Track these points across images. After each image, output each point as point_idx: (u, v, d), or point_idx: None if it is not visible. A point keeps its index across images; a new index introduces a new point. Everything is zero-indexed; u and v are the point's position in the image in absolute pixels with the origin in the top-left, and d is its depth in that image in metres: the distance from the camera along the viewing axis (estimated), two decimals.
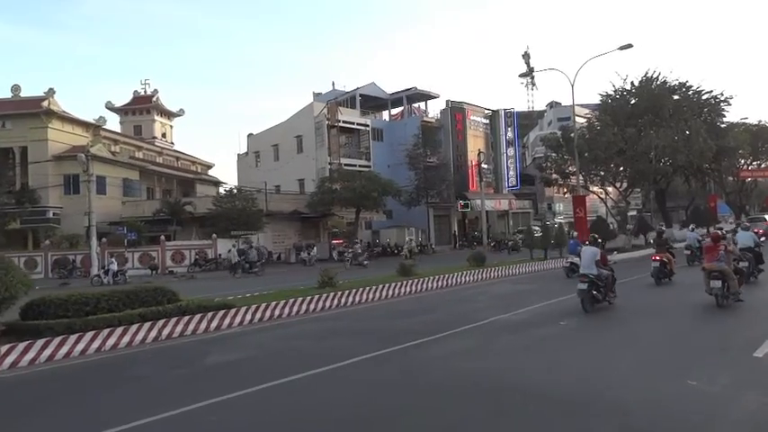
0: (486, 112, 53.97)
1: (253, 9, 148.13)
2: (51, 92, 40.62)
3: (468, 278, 18.98)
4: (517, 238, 37.80)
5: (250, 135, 55.97)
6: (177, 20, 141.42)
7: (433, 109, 56.20)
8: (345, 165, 44.41)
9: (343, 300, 14.68)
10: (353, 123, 47.82)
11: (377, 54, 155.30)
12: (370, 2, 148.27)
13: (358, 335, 10.40)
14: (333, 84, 56.67)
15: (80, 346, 9.71)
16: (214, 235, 34.62)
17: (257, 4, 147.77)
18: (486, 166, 49.38)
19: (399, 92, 54.38)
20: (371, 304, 14.86)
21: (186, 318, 11.21)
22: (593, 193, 38.63)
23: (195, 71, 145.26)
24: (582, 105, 53.38)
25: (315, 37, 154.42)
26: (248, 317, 12.35)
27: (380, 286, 16.01)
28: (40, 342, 9.32)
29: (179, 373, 8.22)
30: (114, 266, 27.31)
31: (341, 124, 45.90)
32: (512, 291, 16.22)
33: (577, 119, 44.29)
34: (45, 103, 39.27)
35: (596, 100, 38.88)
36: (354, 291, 15.22)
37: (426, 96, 55.25)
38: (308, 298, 14.00)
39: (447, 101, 51.44)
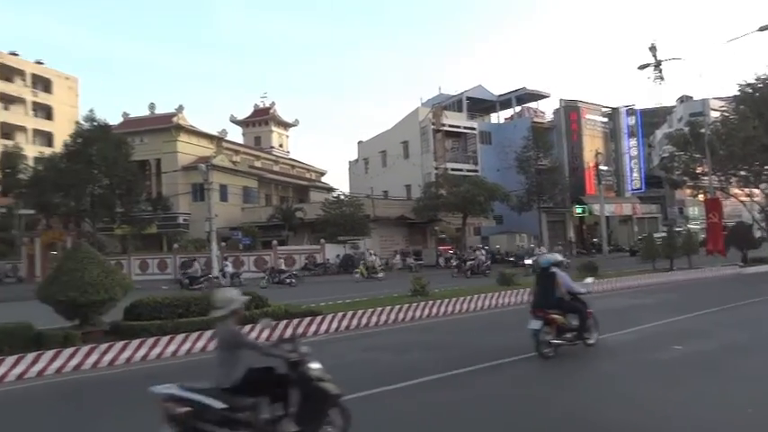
0: (605, 109, 50.33)
1: (362, 19, 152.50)
2: (180, 108, 44.53)
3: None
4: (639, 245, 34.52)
5: (360, 142, 57.23)
6: (292, 35, 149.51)
7: (545, 109, 53.52)
8: (452, 169, 43.68)
9: (435, 310, 14.06)
10: (459, 127, 46.93)
11: (484, 55, 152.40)
12: (474, 2, 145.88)
13: (443, 349, 9.74)
14: (439, 88, 56.36)
15: (171, 348, 10.08)
16: (322, 240, 35.63)
17: (367, 15, 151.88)
18: (605, 167, 45.97)
19: (508, 93, 52.51)
20: (466, 315, 14.08)
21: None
22: (733, 195, 34.16)
23: (309, 82, 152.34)
24: (718, 99, 47.80)
25: (423, 43, 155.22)
26: (334, 325, 12.18)
27: (477, 296, 15.15)
28: (135, 342, 9.79)
29: None
30: (230, 269, 28.95)
31: (446, 128, 45.27)
32: (624, 305, 14.53)
33: (712, 113, 39.39)
34: (175, 119, 43.11)
35: (734, 92, 34.43)
36: (447, 301, 14.53)
37: (537, 96, 52.78)
38: (398, 307, 13.56)
39: (560, 99, 48.76)
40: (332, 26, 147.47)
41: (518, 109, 53.08)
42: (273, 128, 62.54)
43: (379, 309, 13.26)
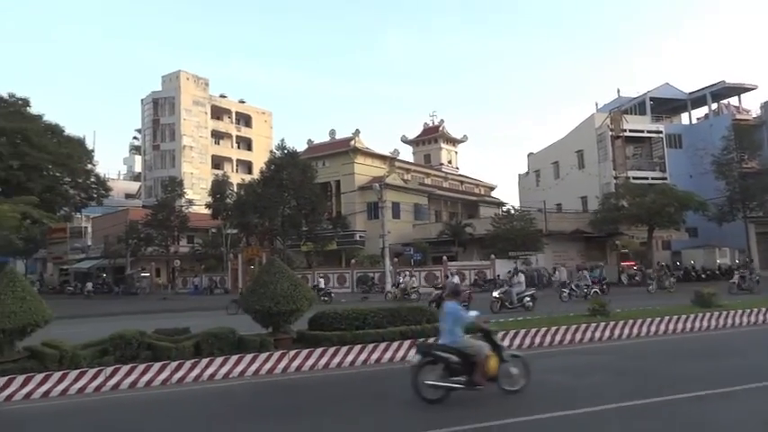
0: None
1: (530, 28, 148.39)
2: (357, 132, 47.73)
3: None
4: None
5: (530, 154, 55.63)
6: (460, 50, 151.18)
7: (749, 104, 46.37)
8: (634, 178, 40.17)
9: (616, 332, 12.93)
10: (642, 131, 42.99)
11: (668, 52, 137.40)
12: None
13: (624, 375, 8.93)
14: (618, 91, 52.19)
15: (349, 358, 10.74)
16: (492, 256, 35.14)
17: (534, 23, 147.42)
18: None
19: (701, 89, 46.60)
20: (651, 339, 12.71)
21: None
22: None
23: (477, 96, 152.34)
24: None
25: (597, 46, 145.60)
26: (505, 342, 11.85)
27: (665, 318, 13.59)
28: (318, 351, 10.63)
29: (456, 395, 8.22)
30: (404, 283, 29.98)
31: (627, 134, 41.79)
32: None
33: None
34: (352, 143, 46.33)
35: None
36: (632, 322, 13.26)
37: (738, 90, 46.02)
38: (574, 327, 12.76)
39: None
40: (499, 37, 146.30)
41: (714, 106, 46.82)
42: (442, 145, 63.76)
43: (554, 328, 12.61)
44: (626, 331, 13.01)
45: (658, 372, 9.07)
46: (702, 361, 9.84)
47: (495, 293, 20.63)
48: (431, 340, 9.90)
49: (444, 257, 36.41)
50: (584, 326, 12.86)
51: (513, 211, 39.79)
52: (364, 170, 46.48)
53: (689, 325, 13.66)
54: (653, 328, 13.27)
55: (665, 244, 41.20)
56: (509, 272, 34.49)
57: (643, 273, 32.57)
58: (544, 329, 12.51)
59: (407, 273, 31.28)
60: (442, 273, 35.04)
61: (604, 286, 25.87)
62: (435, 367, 7.38)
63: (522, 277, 21.76)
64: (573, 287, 25.00)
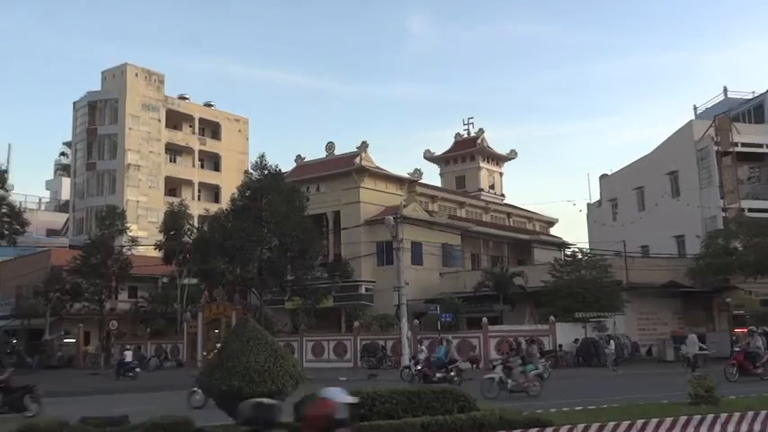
0: None
1: (599, 16, 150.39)
2: (364, 146, 48.23)
3: None
4: None
5: (603, 177, 55.75)
6: (502, 40, 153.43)
7: None
8: (750, 210, 40.06)
9: (730, 429, 12.56)
10: (761, 146, 42.89)
11: None
12: None
13: None
14: (724, 90, 52.35)
15: None
16: (552, 317, 34.84)
17: (607, 10, 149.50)
18: None
19: None
20: None
21: None
22: None
23: (527, 100, 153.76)
24: None
25: (692, 37, 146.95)
26: None
27: None
28: None
29: None
30: (423, 356, 29.63)
31: (738, 148, 41.73)
32: None
33: None
34: (357, 160, 46.72)
35: None
36: (752, 415, 12.89)
37: None
38: (669, 420, 12.41)
39: None
40: (554, 20, 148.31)
41: None
42: (482, 164, 64.19)
43: (640, 422, 12.27)
44: (743, 428, 12.64)
45: None
46: None
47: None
48: None
49: (484, 319, 36.13)
50: (683, 419, 12.51)
51: (580, 256, 39.48)
52: (373, 197, 46.79)
53: None
54: None
55: None
56: (576, 340, 34.29)
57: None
58: (626, 423, 12.13)
59: (447, 339, 31.01)
60: (481, 340, 34.70)
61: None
62: None
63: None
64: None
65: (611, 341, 32.09)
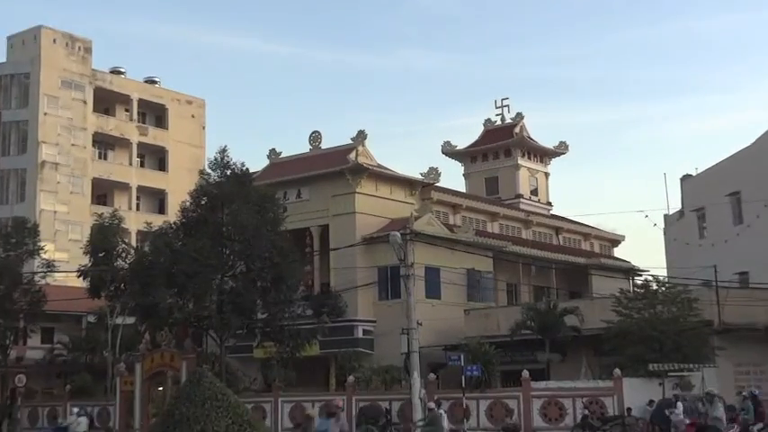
0: None
1: None
2: (361, 137, 48.03)
3: None
4: None
5: (686, 179, 55.50)
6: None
7: None
8: None
9: None
10: None
11: None
12: None
13: None
14: None
15: None
16: (617, 371, 34.55)
17: None
18: None
19: None
20: None
21: None
22: None
23: (581, 75, 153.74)
24: None
25: None
26: None
27: None
28: None
29: None
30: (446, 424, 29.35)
31: None
32: None
33: None
34: (352, 156, 46.49)
35: None
36: None
37: None
38: None
39: None
40: None
41: None
42: (521, 161, 64.12)
43: None
44: None
45: None
46: None
47: None
48: None
49: (525, 373, 35.80)
50: None
51: (655, 286, 39.13)
52: (374, 207, 46.62)
53: None
54: None
55: None
56: (651, 402, 33.87)
57: None
58: None
59: (432, 404, 30.87)
60: (520, 402, 34.34)
61: None
62: None
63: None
64: None
65: (682, 403, 31.53)
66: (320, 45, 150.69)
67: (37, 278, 48.53)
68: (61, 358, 49.13)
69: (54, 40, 67.30)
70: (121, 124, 71.03)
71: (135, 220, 62.30)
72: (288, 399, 39.24)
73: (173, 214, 48.93)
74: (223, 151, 40.32)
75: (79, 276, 46.88)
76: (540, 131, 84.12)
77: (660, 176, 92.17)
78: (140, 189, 70.95)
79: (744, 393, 29.54)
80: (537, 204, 63.20)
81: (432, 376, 35.59)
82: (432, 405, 29.81)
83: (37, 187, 64.26)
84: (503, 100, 66.55)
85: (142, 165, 72.23)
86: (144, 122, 72.85)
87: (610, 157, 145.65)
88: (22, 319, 48.60)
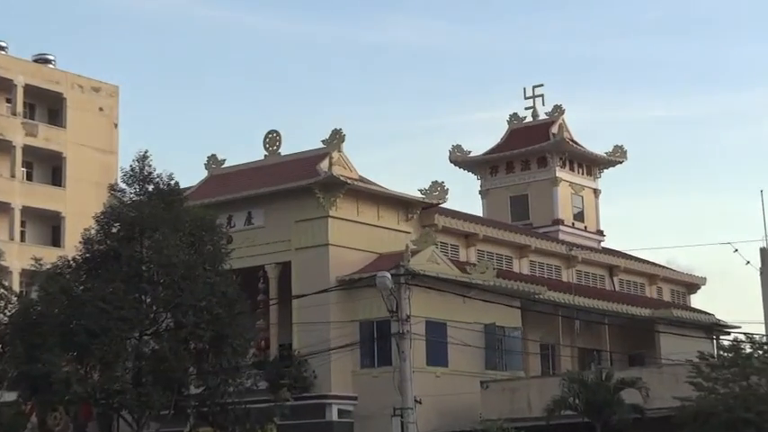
0: None
1: None
2: (336, 138, 48.43)
3: None
4: None
5: None
6: None
7: None
8: None
9: None
10: None
11: None
12: None
13: None
14: None
15: None
16: None
17: None
18: None
19: None
20: None
21: None
22: None
23: (640, 55, 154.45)
24: None
25: None
26: None
27: None
28: None
29: None
30: None
31: None
32: None
33: None
34: (324, 165, 46.87)
35: None
36: None
37: None
38: None
39: None
40: None
41: None
42: (560, 172, 64.55)
43: None
44: None
45: None
46: None
47: None
48: None
49: None
50: None
51: (749, 348, 39.64)
52: (354, 236, 47.26)
53: None
54: None
55: None
56: None
57: None
58: None
59: None
60: None
61: None
62: None
63: None
64: None
65: None
66: (281, 13, 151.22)
67: None
68: None
69: None
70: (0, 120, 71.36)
71: (18, 255, 62.28)
72: None
73: (71, 247, 49.16)
74: (143, 158, 40.57)
75: None
76: (587, 132, 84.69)
77: (756, 194, 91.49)
78: (26, 211, 70.74)
79: None
80: (583, 234, 63.67)
81: None
82: None
83: None
84: (535, 88, 67.18)
85: (29, 177, 72.28)
86: (32, 118, 72.97)
87: (684, 167, 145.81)
88: None
